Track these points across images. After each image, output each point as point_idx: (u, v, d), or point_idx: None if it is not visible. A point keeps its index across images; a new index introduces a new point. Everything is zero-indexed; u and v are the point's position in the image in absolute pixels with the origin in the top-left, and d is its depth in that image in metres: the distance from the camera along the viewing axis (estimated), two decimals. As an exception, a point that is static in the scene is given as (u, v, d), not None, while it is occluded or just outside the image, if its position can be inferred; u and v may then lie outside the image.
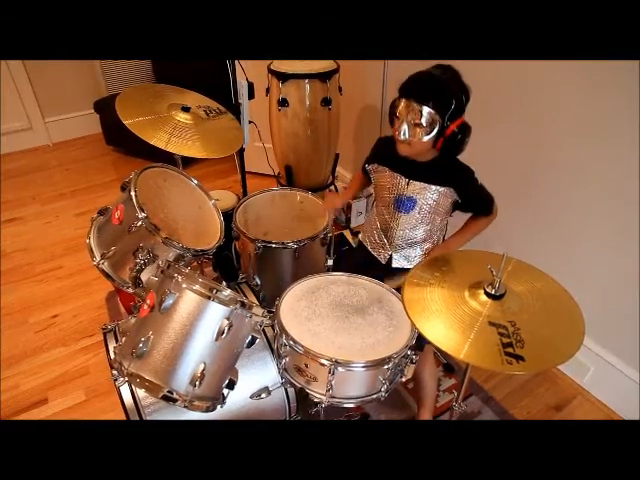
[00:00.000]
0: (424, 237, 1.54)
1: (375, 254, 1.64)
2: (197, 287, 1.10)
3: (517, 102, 1.86)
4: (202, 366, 1.10)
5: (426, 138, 1.31)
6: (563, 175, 1.76)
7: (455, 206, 1.49)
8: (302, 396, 1.28)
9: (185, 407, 1.10)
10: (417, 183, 1.45)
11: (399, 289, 1.41)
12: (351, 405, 1.26)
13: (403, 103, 1.31)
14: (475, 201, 1.47)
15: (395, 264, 1.59)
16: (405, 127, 1.31)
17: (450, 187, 1.42)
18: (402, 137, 1.33)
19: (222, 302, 1.10)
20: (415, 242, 1.55)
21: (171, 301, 1.08)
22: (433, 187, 1.43)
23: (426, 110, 1.27)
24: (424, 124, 1.29)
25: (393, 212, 1.53)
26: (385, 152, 1.49)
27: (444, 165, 1.42)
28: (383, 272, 1.57)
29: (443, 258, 1.22)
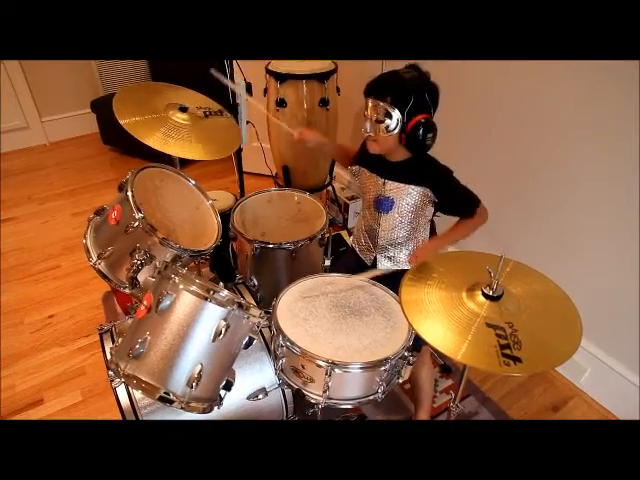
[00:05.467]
0: (407, 237, 1.54)
1: (362, 257, 1.66)
2: (194, 288, 1.09)
3: (514, 102, 1.86)
4: (199, 367, 1.09)
5: (388, 133, 1.34)
6: (562, 176, 1.76)
7: (436, 207, 1.49)
8: (299, 397, 1.27)
9: (182, 408, 1.10)
10: (393, 183, 1.46)
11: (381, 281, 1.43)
12: (348, 406, 1.26)
13: (367, 102, 1.37)
14: (454, 202, 1.46)
15: (380, 266, 1.59)
16: (368, 124, 1.37)
17: (426, 187, 1.43)
18: (366, 132, 1.39)
19: (219, 303, 1.09)
20: (399, 243, 1.56)
21: (168, 302, 1.08)
22: (409, 187, 1.44)
23: (385, 105, 1.31)
24: (384, 119, 1.32)
25: (374, 213, 1.55)
26: (365, 153, 1.51)
27: (419, 165, 1.43)
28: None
29: (440, 259, 1.22)
